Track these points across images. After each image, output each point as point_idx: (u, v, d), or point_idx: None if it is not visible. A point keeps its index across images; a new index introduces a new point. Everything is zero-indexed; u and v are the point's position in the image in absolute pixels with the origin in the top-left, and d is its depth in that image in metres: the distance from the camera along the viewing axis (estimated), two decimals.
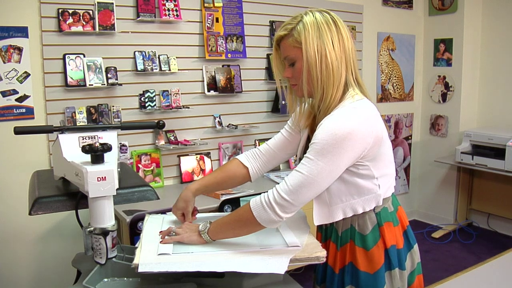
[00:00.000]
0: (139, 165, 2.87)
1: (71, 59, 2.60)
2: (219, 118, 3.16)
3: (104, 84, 2.66)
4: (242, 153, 3.25)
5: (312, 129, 1.32)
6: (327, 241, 1.34)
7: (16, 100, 2.51)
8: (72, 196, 1.25)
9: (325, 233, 1.36)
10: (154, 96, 2.88)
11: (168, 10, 2.85)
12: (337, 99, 1.22)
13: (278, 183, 1.22)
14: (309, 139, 1.33)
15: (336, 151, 1.13)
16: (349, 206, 1.25)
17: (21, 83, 2.51)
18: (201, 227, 1.23)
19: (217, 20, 3.08)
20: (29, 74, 2.53)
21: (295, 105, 1.38)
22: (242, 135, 3.31)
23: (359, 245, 1.27)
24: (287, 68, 1.28)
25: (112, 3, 2.67)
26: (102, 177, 1.07)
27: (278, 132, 1.49)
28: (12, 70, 2.48)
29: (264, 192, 1.19)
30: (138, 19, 2.78)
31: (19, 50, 2.48)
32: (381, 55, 4.04)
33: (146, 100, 2.85)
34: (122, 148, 2.79)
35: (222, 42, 3.09)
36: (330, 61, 1.20)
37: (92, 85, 2.63)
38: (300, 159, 1.36)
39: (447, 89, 4.21)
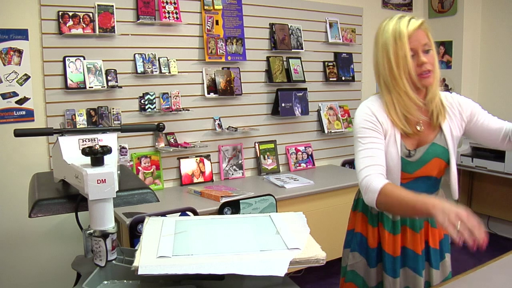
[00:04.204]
0: (139, 168, 2.87)
1: (71, 61, 2.60)
2: (219, 120, 3.16)
3: (104, 87, 2.67)
4: (242, 155, 3.28)
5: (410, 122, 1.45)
6: (422, 229, 1.50)
7: (16, 102, 2.51)
8: (72, 199, 1.25)
9: (419, 223, 1.50)
10: (154, 98, 2.88)
11: (168, 12, 2.85)
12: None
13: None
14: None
15: None
16: None
17: (21, 86, 2.52)
18: None
19: (217, 23, 3.09)
20: (29, 77, 2.53)
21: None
22: (242, 138, 3.31)
23: None
24: (424, 55, 1.38)
25: (112, 6, 2.68)
26: (102, 180, 1.07)
27: (367, 151, 1.41)
28: (12, 72, 2.48)
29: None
30: (138, 21, 2.78)
31: (19, 52, 2.49)
32: None
33: (146, 102, 2.85)
34: (122, 150, 2.79)
35: (222, 44, 3.09)
36: None
37: (92, 87, 2.63)
38: (407, 156, 1.46)
39: (447, 91, 4.21)
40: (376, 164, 1.39)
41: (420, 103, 1.43)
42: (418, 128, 1.46)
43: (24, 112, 2.54)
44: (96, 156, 1.11)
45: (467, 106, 1.50)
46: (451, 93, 1.55)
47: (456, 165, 1.53)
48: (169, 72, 2.89)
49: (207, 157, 3.14)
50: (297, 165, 3.54)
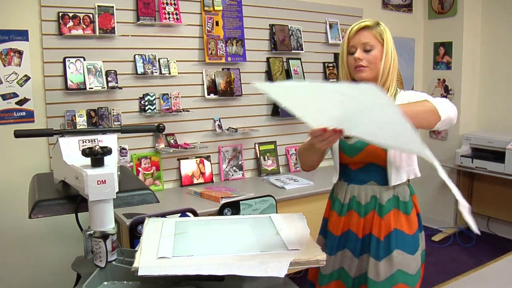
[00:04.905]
0: (139, 168, 2.87)
1: (71, 62, 2.60)
2: (219, 121, 3.16)
3: (104, 88, 2.67)
4: (242, 156, 3.28)
5: None
6: (368, 215, 1.55)
7: (16, 103, 2.51)
8: (72, 199, 1.25)
9: (365, 209, 1.55)
10: (154, 99, 2.88)
11: (168, 13, 2.85)
12: (394, 93, 1.55)
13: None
14: None
15: None
16: (411, 171, 1.57)
17: (21, 86, 2.52)
18: None
19: (217, 24, 3.09)
20: (29, 78, 2.53)
21: None
22: (242, 139, 3.31)
23: (402, 211, 1.53)
24: (360, 52, 1.52)
25: (112, 7, 2.68)
26: (102, 181, 1.07)
27: None
28: (12, 73, 2.49)
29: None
30: (138, 22, 2.79)
31: (20, 53, 2.49)
32: None
33: (146, 103, 2.85)
34: (122, 151, 2.79)
35: (222, 45, 3.09)
36: (396, 63, 1.55)
37: (92, 88, 2.63)
38: (346, 138, 1.58)
39: (446, 92, 4.22)
40: None
41: None
42: None
43: (24, 113, 2.54)
44: (96, 157, 1.11)
45: (412, 99, 1.53)
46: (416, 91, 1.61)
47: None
48: (169, 73, 2.89)
49: (207, 158, 3.14)
50: (297, 166, 3.53)
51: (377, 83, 1.52)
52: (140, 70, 2.80)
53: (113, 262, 1.19)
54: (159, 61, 2.87)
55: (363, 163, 1.57)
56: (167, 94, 2.92)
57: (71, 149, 1.23)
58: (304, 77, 3.48)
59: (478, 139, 3.74)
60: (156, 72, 2.85)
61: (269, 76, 3.35)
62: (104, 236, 1.13)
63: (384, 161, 1.52)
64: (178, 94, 2.96)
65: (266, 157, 3.39)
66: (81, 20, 2.61)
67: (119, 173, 1.31)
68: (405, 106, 1.41)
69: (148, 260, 1.08)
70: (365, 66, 1.52)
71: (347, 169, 1.62)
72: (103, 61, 2.69)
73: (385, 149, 1.51)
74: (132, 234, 2.03)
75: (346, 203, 1.61)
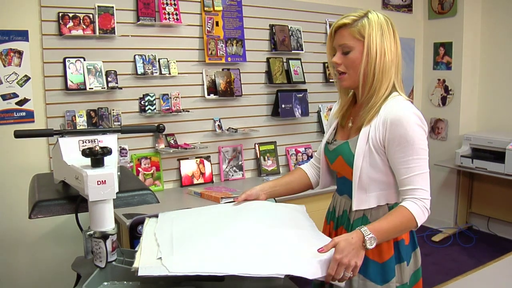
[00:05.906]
0: (139, 169, 2.87)
1: (71, 62, 2.60)
2: (219, 121, 3.16)
3: (104, 88, 2.67)
4: (242, 156, 3.28)
5: (344, 116, 1.47)
6: (338, 229, 1.45)
7: (16, 103, 2.51)
8: (72, 200, 1.25)
9: (337, 222, 1.46)
10: (154, 99, 2.88)
11: (168, 14, 2.86)
12: (384, 98, 1.31)
13: None
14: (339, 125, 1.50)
15: (425, 140, 1.27)
16: (383, 196, 1.34)
17: (21, 87, 2.52)
18: (366, 239, 1.15)
19: (217, 24, 3.09)
20: (29, 78, 2.53)
21: (343, 94, 1.48)
22: (242, 139, 3.31)
23: None
24: (338, 55, 1.34)
25: (112, 7, 2.68)
26: (102, 181, 1.07)
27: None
28: (12, 73, 2.49)
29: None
30: (138, 22, 2.79)
31: (20, 53, 2.49)
32: None
33: (146, 103, 2.85)
34: (122, 151, 2.79)
35: (222, 45, 3.09)
36: (387, 61, 1.30)
37: (92, 88, 2.63)
38: (328, 142, 1.48)
39: (446, 92, 4.22)
40: (315, 156, 1.62)
41: (343, 102, 1.47)
42: (350, 124, 1.44)
43: (24, 113, 2.54)
44: (96, 157, 1.11)
45: (391, 131, 1.27)
46: (411, 103, 1.33)
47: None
48: (169, 73, 2.89)
49: (207, 158, 3.14)
50: (297, 166, 3.53)
51: (358, 88, 1.36)
52: (140, 70, 2.80)
53: (113, 263, 1.19)
54: (159, 61, 2.87)
55: (341, 173, 1.45)
56: (167, 94, 2.92)
57: (71, 149, 1.23)
58: (304, 77, 3.48)
59: (478, 139, 3.74)
60: (156, 73, 2.85)
61: (269, 77, 3.35)
62: (104, 236, 1.13)
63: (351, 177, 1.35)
64: (178, 95, 2.96)
65: (266, 157, 3.39)
66: (81, 20, 2.61)
67: (119, 173, 1.31)
68: (385, 227, 1.20)
69: (148, 260, 1.08)
70: (343, 72, 1.34)
71: (335, 175, 1.52)
72: (103, 62, 2.69)
73: (350, 166, 1.34)
74: (132, 234, 2.03)
75: (330, 211, 1.54)
